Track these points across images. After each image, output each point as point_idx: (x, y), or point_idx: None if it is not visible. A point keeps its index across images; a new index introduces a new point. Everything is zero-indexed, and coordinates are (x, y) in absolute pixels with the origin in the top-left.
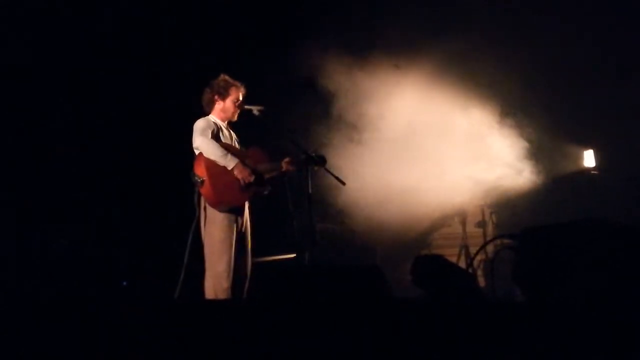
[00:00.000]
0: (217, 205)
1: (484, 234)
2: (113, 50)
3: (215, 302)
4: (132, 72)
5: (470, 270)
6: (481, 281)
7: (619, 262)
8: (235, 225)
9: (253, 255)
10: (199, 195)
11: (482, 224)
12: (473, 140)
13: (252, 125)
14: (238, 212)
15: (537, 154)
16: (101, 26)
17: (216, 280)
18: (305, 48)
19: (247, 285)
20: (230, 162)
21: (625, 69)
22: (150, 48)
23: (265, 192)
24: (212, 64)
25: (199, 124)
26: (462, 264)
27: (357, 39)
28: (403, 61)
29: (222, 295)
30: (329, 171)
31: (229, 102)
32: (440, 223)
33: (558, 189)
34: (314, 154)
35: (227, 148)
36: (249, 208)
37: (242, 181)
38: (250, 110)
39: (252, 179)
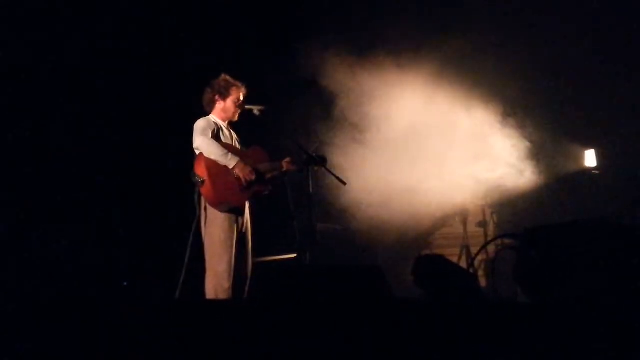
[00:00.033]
0: (217, 205)
1: (485, 234)
2: (113, 50)
3: (215, 302)
4: (132, 72)
5: (471, 271)
6: (482, 281)
7: (619, 262)
8: (235, 226)
9: (254, 256)
10: (200, 195)
11: (483, 224)
12: (474, 140)
13: (253, 125)
14: (238, 212)
15: (538, 153)
16: (101, 26)
17: (217, 280)
18: (305, 48)
19: (247, 285)
20: (231, 161)
21: (626, 69)
22: (150, 48)
23: (266, 192)
24: (212, 64)
25: (199, 124)
26: (463, 264)
27: (358, 38)
28: (404, 61)
29: (222, 295)
30: (329, 171)
31: (229, 102)
32: (442, 223)
33: (559, 189)
34: (314, 154)
35: (228, 148)
36: (250, 208)
37: (243, 180)
38: (251, 110)
39: (253, 177)
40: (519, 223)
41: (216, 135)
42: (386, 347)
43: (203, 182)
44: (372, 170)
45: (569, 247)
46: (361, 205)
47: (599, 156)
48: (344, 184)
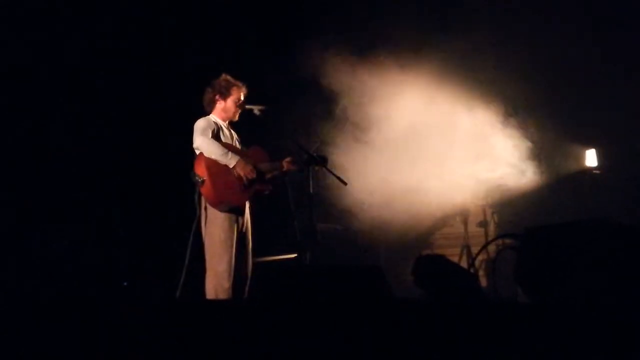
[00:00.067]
0: (217, 205)
1: (486, 234)
2: (113, 50)
3: (216, 302)
4: (132, 72)
5: (472, 270)
6: (483, 281)
7: (620, 262)
8: (235, 226)
9: (254, 255)
10: (200, 195)
11: (483, 224)
12: (475, 140)
13: (253, 125)
14: (238, 212)
15: (539, 153)
16: (101, 26)
17: (217, 280)
18: (306, 47)
19: (247, 285)
20: (231, 160)
21: (627, 69)
22: (150, 48)
23: (266, 192)
24: (212, 64)
25: (199, 124)
26: (464, 264)
27: (359, 38)
28: (405, 61)
29: (222, 295)
30: (330, 171)
31: (230, 102)
32: (442, 223)
33: (560, 189)
34: (315, 154)
35: (228, 147)
36: (250, 208)
37: (244, 178)
38: (251, 110)
39: (254, 175)
40: (519, 223)
41: (216, 135)
42: (386, 347)
43: (203, 181)
44: (373, 170)
45: (569, 247)
46: (362, 205)
47: (600, 156)
48: (345, 184)
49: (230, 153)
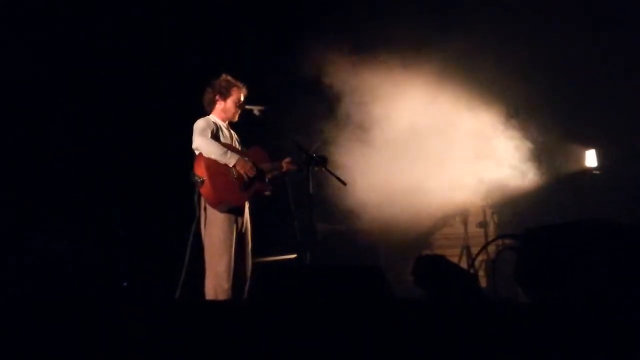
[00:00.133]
0: (217, 205)
1: (486, 234)
2: (113, 50)
3: (215, 303)
4: (132, 72)
5: (471, 271)
6: (483, 282)
7: (620, 262)
8: (235, 226)
9: (254, 256)
10: (199, 195)
11: (483, 224)
12: (476, 141)
13: (253, 126)
14: (238, 212)
15: (539, 154)
16: (101, 26)
17: (216, 280)
18: (306, 47)
19: (247, 285)
20: (231, 159)
21: (627, 69)
22: (150, 48)
23: (267, 193)
24: (212, 64)
25: (199, 124)
26: (464, 264)
27: (359, 38)
28: (408, 61)
29: (222, 295)
30: (330, 171)
31: (230, 103)
32: (442, 223)
33: (560, 189)
34: (314, 154)
35: (227, 147)
36: (249, 208)
37: (244, 176)
38: (251, 111)
39: (254, 173)
40: (519, 223)
41: (215, 135)
42: (386, 347)
43: (202, 182)
44: (374, 170)
45: (569, 248)
46: (364, 205)
47: (600, 156)
48: (344, 184)
49: (229, 152)
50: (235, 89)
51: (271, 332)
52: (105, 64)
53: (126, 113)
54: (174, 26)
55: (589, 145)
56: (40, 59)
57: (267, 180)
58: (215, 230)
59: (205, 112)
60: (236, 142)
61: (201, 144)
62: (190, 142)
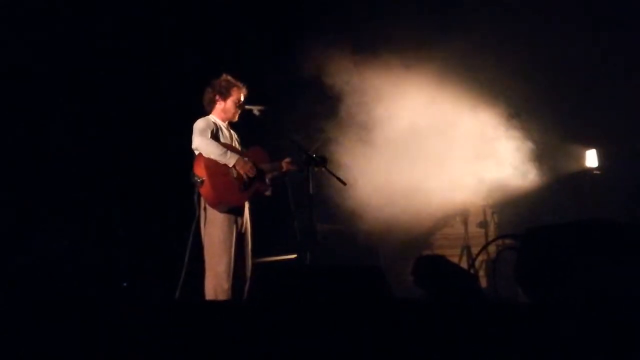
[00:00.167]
0: (216, 205)
1: (486, 234)
2: (113, 50)
3: (215, 303)
4: (132, 72)
5: (472, 271)
6: (483, 282)
7: (620, 262)
8: (235, 226)
9: (254, 256)
10: (199, 195)
11: (484, 224)
12: (476, 141)
13: (253, 126)
14: (238, 212)
15: (539, 153)
16: (101, 26)
17: (216, 280)
18: (306, 47)
19: (247, 285)
20: (230, 159)
21: (627, 69)
22: (150, 48)
23: (267, 193)
24: (212, 64)
25: (199, 124)
26: (464, 264)
27: (359, 38)
28: (406, 61)
29: (222, 296)
30: (330, 171)
31: (230, 103)
32: (442, 223)
33: (560, 189)
34: (314, 154)
35: (227, 147)
36: (249, 209)
37: (244, 176)
38: (251, 110)
39: (254, 173)
40: (519, 223)
41: (215, 135)
42: (386, 347)
43: (202, 182)
44: (375, 170)
45: (569, 248)
46: (364, 205)
47: (601, 156)
48: (344, 184)
49: (229, 152)
50: (235, 89)
51: (271, 332)
52: (105, 64)
53: (126, 113)
54: (174, 26)
55: (589, 145)
56: (40, 59)
57: (267, 180)
58: (215, 230)
59: (205, 112)
60: (236, 142)
61: (201, 143)
62: (190, 142)
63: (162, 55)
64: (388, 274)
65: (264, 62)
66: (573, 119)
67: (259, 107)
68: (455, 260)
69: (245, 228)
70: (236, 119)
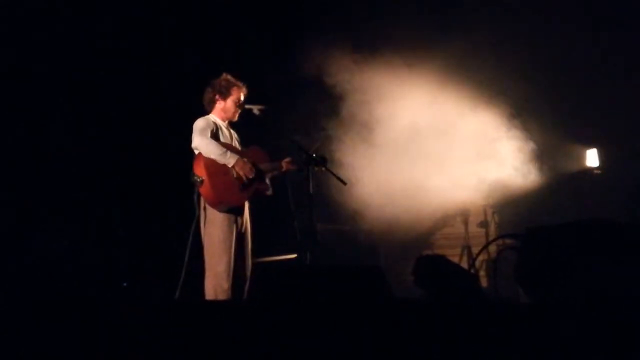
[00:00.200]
0: (216, 205)
1: (487, 234)
2: (113, 50)
3: (215, 303)
4: (132, 72)
5: (472, 271)
6: (484, 282)
7: (620, 262)
8: (235, 226)
9: (254, 256)
10: (199, 195)
11: (484, 224)
12: (477, 140)
13: (253, 125)
14: (238, 212)
15: (540, 153)
16: (101, 26)
17: (216, 280)
18: (305, 47)
19: (247, 285)
20: (230, 160)
21: (628, 69)
22: (150, 48)
23: (268, 193)
24: (212, 64)
25: (198, 124)
26: (465, 264)
27: (359, 38)
28: (406, 61)
29: (222, 295)
30: (330, 171)
31: (230, 102)
32: (443, 223)
33: (561, 189)
34: (314, 154)
35: (227, 147)
36: (249, 208)
37: (244, 177)
38: (251, 110)
39: (253, 174)
40: (520, 223)
41: (215, 135)
42: (386, 347)
43: (202, 181)
44: (375, 170)
45: (570, 247)
46: (364, 205)
47: (601, 156)
48: (345, 184)
49: (229, 152)
50: (235, 88)
51: (271, 332)
52: (105, 64)
53: (126, 113)
54: (174, 26)
55: (590, 145)
56: (40, 59)
57: (267, 180)
58: (215, 230)
59: (205, 112)
60: (236, 142)
61: (200, 143)
62: (190, 141)
63: (162, 55)
64: (388, 274)
65: (264, 62)
66: (573, 118)
67: (259, 107)
68: (455, 260)
69: (245, 228)
70: (236, 118)
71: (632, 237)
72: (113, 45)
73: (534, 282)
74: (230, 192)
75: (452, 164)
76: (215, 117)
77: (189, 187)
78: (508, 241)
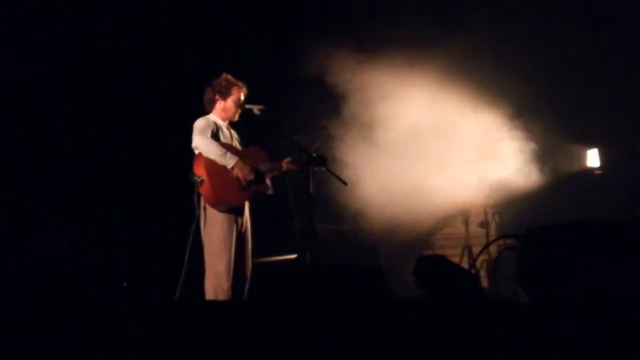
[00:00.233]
0: (216, 205)
1: (487, 234)
2: (113, 50)
3: (215, 303)
4: (132, 72)
5: (473, 271)
6: (484, 282)
7: (620, 262)
8: (235, 226)
9: (254, 256)
10: (199, 195)
11: (485, 224)
12: (477, 141)
13: (253, 125)
14: (238, 212)
15: (540, 153)
16: (101, 26)
17: (216, 280)
18: (305, 47)
19: (247, 285)
20: (229, 161)
21: (628, 69)
22: (150, 48)
23: (270, 193)
24: (212, 64)
25: (199, 124)
26: (465, 264)
27: (359, 38)
28: (406, 61)
29: (222, 295)
30: (330, 171)
31: (230, 102)
32: (443, 223)
33: (561, 189)
34: (315, 154)
35: (227, 148)
36: (249, 208)
37: (242, 179)
38: (251, 110)
39: (252, 177)
40: (520, 223)
41: (215, 135)
42: (386, 347)
43: (202, 181)
44: (375, 170)
45: (570, 247)
46: (365, 205)
47: (602, 156)
48: (345, 184)
49: (228, 153)
50: (235, 88)
51: (271, 332)
52: (105, 64)
53: (126, 113)
54: (174, 26)
55: (590, 145)
56: (40, 59)
57: (267, 181)
58: (215, 230)
59: (205, 112)
60: (236, 142)
61: (200, 143)
62: (190, 141)
63: (162, 55)
64: (389, 274)
65: (264, 62)
66: (574, 118)
67: (259, 107)
68: (456, 260)
69: (246, 228)
70: (236, 118)
71: (632, 237)
72: (113, 45)
73: (534, 282)
74: (230, 192)
75: (453, 164)
76: (215, 117)
77: (189, 187)
78: (508, 241)
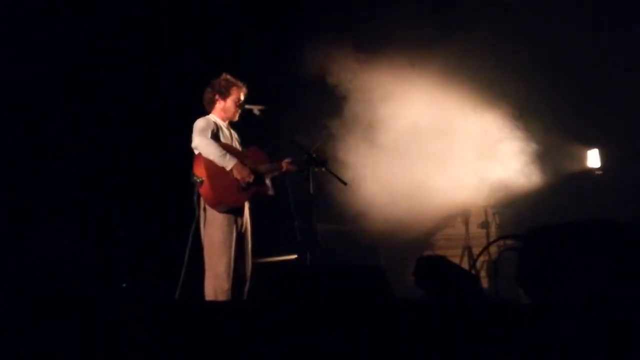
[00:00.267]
0: (216, 205)
1: (487, 235)
2: (113, 50)
3: (215, 303)
4: (132, 72)
5: (473, 272)
6: (484, 282)
7: (621, 262)
8: (235, 226)
9: (254, 256)
10: (199, 195)
11: (485, 225)
12: (478, 141)
13: (253, 125)
14: (238, 212)
15: (540, 154)
16: (101, 26)
17: (216, 281)
18: (305, 47)
19: (247, 286)
20: (229, 163)
21: (628, 69)
22: (150, 48)
23: (270, 193)
24: (212, 64)
25: (199, 124)
26: (465, 265)
27: (359, 38)
28: (406, 61)
29: (222, 296)
30: (330, 171)
31: (229, 102)
32: (443, 224)
33: (562, 189)
34: (315, 155)
35: (227, 148)
36: (249, 209)
37: (241, 181)
38: (251, 110)
39: (251, 179)
40: (521, 224)
41: (215, 135)
42: (386, 347)
43: (202, 182)
44: (376, 170)
45: (571, 248)
46: (365, 205)
47: (602, 156)
48: (345, 184)
49: (228, 155)
50: (235, 88)
51: (271, 332)
52: (105, 64)
53: (126, 113)
54: (174, 26)
55: (591, 145)
56: (40, 59)
57: (267, 181)
58: (215, 231)
59: (205, 112)
60: (236, 142)
61: (200, 143)
62: (190, 141)
63: (162, 55)
64: (389, 274)
65: (264, 62)
66: (574, 119)
67: (259, 107)
68: (456, 260)
69: (245, 228)
70: (236, 118)
71: (632, 237)
72: (113, 45)
73: (534, 283)
74: (230, 193)
75: (453, 164)
76: (215, 117)
77: (189, 187)
78: (509, 242)
